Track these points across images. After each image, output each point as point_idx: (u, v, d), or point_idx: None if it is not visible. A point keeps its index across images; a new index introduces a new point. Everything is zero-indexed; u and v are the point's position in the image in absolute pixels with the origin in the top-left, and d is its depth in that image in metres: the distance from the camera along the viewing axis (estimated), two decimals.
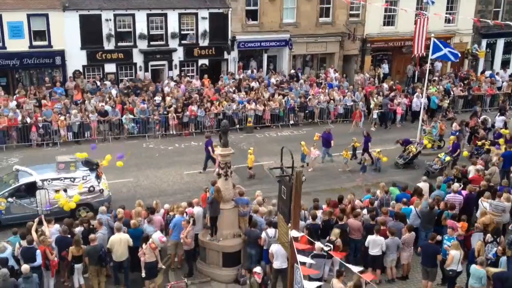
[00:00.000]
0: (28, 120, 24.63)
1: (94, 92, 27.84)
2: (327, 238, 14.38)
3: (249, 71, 32.56)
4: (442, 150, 24.09)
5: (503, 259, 13.77)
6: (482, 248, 14.03)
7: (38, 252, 13.38)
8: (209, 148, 21.47)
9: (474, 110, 28.48)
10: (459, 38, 36.87)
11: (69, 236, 14.22)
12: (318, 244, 13.22)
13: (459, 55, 25.31)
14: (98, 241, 13.92)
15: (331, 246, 13.76)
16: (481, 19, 29.68)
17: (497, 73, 35.38)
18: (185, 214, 15.30)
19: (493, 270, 13.19)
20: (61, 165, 18.26)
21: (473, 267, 13.24)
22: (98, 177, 18.65)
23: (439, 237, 14.58)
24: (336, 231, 14.29)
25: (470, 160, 21.43)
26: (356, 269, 10.50)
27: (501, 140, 22.39)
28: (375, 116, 28.35)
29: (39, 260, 13.30)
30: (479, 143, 23.11)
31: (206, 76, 30.81)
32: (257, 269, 13.12)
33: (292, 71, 33.29)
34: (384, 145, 25.91)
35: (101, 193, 18.31)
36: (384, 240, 14.44)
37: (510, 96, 32.35)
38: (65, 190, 17.46)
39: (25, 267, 12.62)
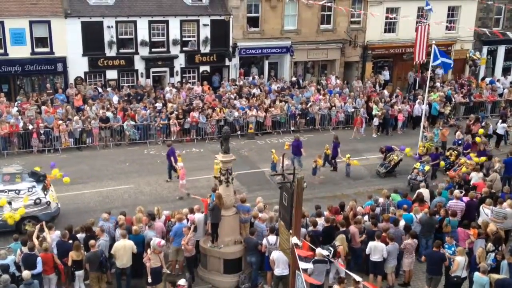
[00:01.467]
0: (30, 126, 24.66)
1: (95, 98, 27.89)
2: (332, 243, 14.36)
3: (250, 78, 32.62)
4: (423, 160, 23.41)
5: (504, 263, 13.72)
6: (483, 255, 13.99)
7: (39, 259, 13.36)
8: (171, 157, 21.26)
9: (480, 116, 28.47)
10: (460, 45, 36.94)
11: (69, 241, 14.20)
12: (319, 250, 13.19)
13: (451, 66, 25.46)
14: (98, 247, 13.90)
15: (331, 250, 13.72)
16: (479, 28, 29.75)
17: (498, 80, 35.41)
18: (186, 221, 15.29)
19: (496, 276, 13.15)
20: (6, 176, 17.60)
21: (476, 274, 13.19)
22: (45, 188, 17.87)
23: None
24: (341, 236, 14.24)
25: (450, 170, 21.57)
26: (358, 277, 10.53)
27: (472, 155, 22.13)
28: (376, 123, 28.35)
29: (39, 268, 13.28)
30: (447, 153, 23.00)
31: (206, 82, 30.88)
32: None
33: (294, 78, 33.36)
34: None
35: (48, 205, 17.50)
36: (385, 246, 14.40)
37: (511, 103, 32.33)
38: (9, 203, 16.73)
39: (26, 273, 12.61)
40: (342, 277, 12.34)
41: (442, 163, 22.41)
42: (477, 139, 23.03)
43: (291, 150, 22.67)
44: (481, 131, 23.62)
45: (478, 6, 36.89)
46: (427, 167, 21.31)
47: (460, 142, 24.96)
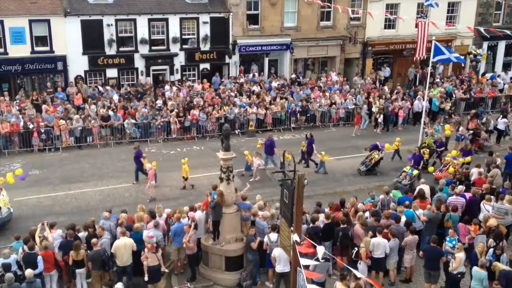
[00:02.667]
0: (30, 125, 24.67)
1: (94, 97, 27.88)
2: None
3: (250, 75, 32.61)
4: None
5: (504, 257, 13.74)
6: (484, 251, 14.00)
7: (40, 258, 13.39)
8: (141, 159, 21.00)
9: (478, 112, 28.46)
10: (460, 41, 36.91)
11: (72, 240, 14.22)
12: (319, 250, 13.20)
13: (461, 58, 25.36)
14: (101, 246, 13.94)
15: (355, 250, 14.01)
16: (476, 28, 29.68)
17: (499, 75, 35.37)
18: (186, 219, 15.31)
19: (501, 266, 13.16)
20: None
21: (475, 269, 13.23)
22: None
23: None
24: (366, 239, 14.25)
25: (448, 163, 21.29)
26: (359, 273, 10.55)
27: (454, 152, 22.00)
28: (379, 120, 28.34)
29: (40, 267, 13.31)
30: (421, 151, 22.60)
31: (205, 80, 30.88)
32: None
33: (293, 75, 33.35)
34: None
35: None
36: (387, 242, 14.43)
37: None
38: None
39: (29, 272, 12.66)
40: (344, 274, 12.36)
41: (431, 168, 22.01)
42: (430, 168, 22.03)
43: (264, 149, 22.63)
44: (454, 152, 22.34)
45: (478, 1, 36.85)
46: (415, 171, 20.86)
47: (463, 138, 24.96)
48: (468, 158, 21.47)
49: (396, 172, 22.05)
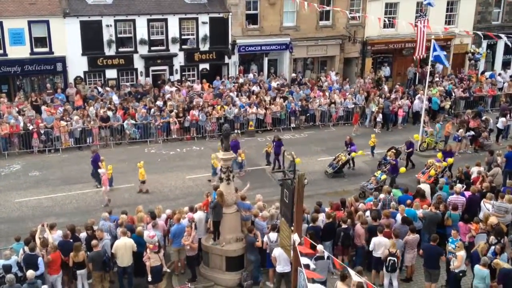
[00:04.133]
0: (30, 126, 24.66)
1: (92, 99, 27.85)
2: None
3: (250, 75, 32.59)
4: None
5: (504, 256, 13.73)
6: (484, 249, 14.00)
7: (40, 259, 13.38)
8: (99, 163, 20.43)
9: (478, 110, 28.45)
10: (459, 40, 36.90)
11: (71, 240, 14.22)
12: (319, 247, 13.21)
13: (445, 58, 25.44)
14: (102, 247, 13.93)
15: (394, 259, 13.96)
16: (474, 31, 29.67)
17: (499, 74, 35.35)
18: (186, 220, 15.30)
19: (502, 264, 13.14)
20: None
21: (477, 267, 13.22)
22: None
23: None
24: (392, 242, 14.20)
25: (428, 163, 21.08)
26: (357, 275, 10.58)
27: (439, 154, 21.72)
28: (379, 119, 28.32)
29: (41, 268, 13.30)
30: (388, 153, 22.06)
31: (205, 80, 30.88)
32: None
33: (293, 74, 33.34)
34: (386, 147, 25.86)
35: None
36: (388, 241, 14.41)
37: None
38: None
39: (30, 273, 12.66)
40: (345, 274, 12.33)
41: (403, 169, 21.45)
42: (402, 169, 21.39)
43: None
44: (439, 155, 21.68)
45: (477, 0, 36.82)
46: (384, 176, 20.38)
47: (460, 138, 24.93)
48: (450, 160, 21.07)
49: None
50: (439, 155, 21.51)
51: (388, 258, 13.96)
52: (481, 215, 16.29)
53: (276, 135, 23.91)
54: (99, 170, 20.07)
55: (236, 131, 27.25)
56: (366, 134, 27.75)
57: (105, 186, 19.66)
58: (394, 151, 22.15)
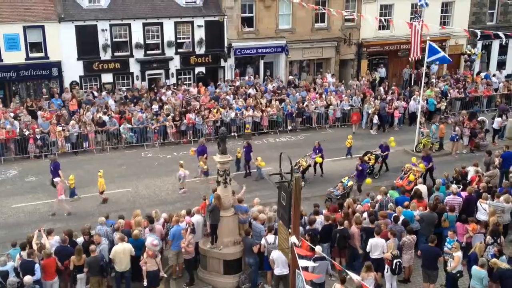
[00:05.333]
0: (26, 132, 24.60)
1: (88, 103, 27.81)
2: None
3: (246, 78, 32.61)
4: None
5: (503, 258, 13.74)
6: (481, 249, 14.02)
7: (37, 266, 13.33)
8: (59, 171, 20.03)
9: (474, 111, 28.52)
10: (454, 41, 37.02)
11: (68, 246, 14.18)
12: (318, 248, 13.20)
13: (449, 60, 25.45)
14: (100, 252, 13.90)
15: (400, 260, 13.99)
16: (470, 29, 29.74)
17: (494, 75, 35.46)
18: (184, 223, 15.28)
19: (500, 264, 13.15)
20: None
21: (474, 268, 13.24)
22: None
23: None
24: (392, 243, 14.16)
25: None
26: (356, 276, 10.56)
27: (413, 158, 21.35)
28: (375, 121, 28.36)
29: (38, 274, 13.24)
30: (365, 157, 22.02)
31: (201, 83, 30.88)
32: None
33: (291, 77, 33.38)
34: None
35: None
36: (385, 242, 14.42)
37: (507, 97, 32.40)
38: None
39: (28, 278, 12.63)
40: (343, 276, 12.33)
41: (369, 180, 20.71)
42: (367, 181, 20.49)
43: (196, 155, 22.36)
44: (413, 159, 21.26)
45: (471, 1, 36.96)
46: (350, 183, 19.83)
47: (457, 138, 24.99)
48: (422, 166, 20.56)
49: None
50: (414, 159, 21.03)
51: (395, 261, 13.96)
52: (477, 215, 16.33)
53: (246, 139, 23.66)
54: (55, 179, 19.62)
55: (233, 133, 27.26)
56: (363, 136, 27.89)
57: (59, 195, 19.22)
58: (374, 155, 22.01)
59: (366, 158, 22.12)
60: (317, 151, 22.24)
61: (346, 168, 23.04)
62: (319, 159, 22.12)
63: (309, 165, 22.06)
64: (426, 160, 20.99)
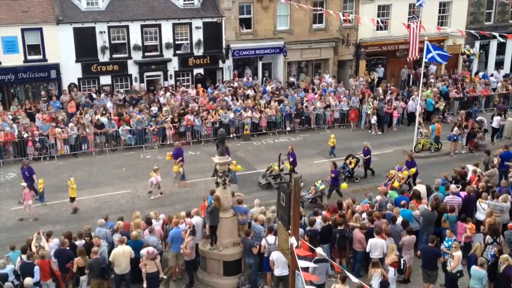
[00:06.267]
0: (25, 134, 24.58)
1: (87, 105, 27.80)
2: None
3: (244, 79, 32.62)
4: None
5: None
6: (480, 249, 14.04)
7: (36, 268, 13.35)
8: (33, 176, 20.02)
9: (472, 111, 28.53)
10: (452, 41, 37.07)
11: (68, 248, 14.17)
12: (318, 250, 13.20)
13: (450, 56, 25.28)
14: (101, 254, 13.92)
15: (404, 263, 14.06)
16: (466, 31, 29.79)
17: (492, 75, 35.49)
18: (184, 225, 15.28)
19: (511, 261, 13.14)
20: None
21: (474, 268, 13.25)
22: None
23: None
24: (391, 246, 14.13)
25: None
26: (354, 278, 10.57)
27: (400, 163, 21.11)
28: (373, 121, 28.38)
29: (36, 277, 13.26)
30: (347, 161, 21.90)
31: (200, 85, 30.88)
32: None
33: (292, 79, 33.37)
34: (382, 149, 26.01)
35: None
36: (384, 242, 14.44)
37: (506, 97, 32.44)
38: None
39: (28, 280, 12.63)
40: (344, 276, 12.30)
41: (345, 185, 20.30)
42: (343, 185, 20.19)
43: (173, 160, 22.07)
44: (344, 185, 20.42)
45: (469, 1, 37.02)
46: (322, 186, 19.44)
47: (456, 138, 25.01)
48: (412, 170, 20.19)
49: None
50: (400, 163, 20.73)
51: (401, 260, 14.01)
52: (477, 215, 16.35)
53: (245, 140, 23.41)
54: (21, 184, 19.44)
55: (232, 135, 27.27)
56: (362, 136, 27.87)
57: (26, 201, 19.04)
58: (355, 159, 21.78)
59: (347, 161, 21.92)
60: (290, 156, 21.64)
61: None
62: (288, 166, 21.37)
63: (282, 170, 21.41)
64: (409, 164, 20.53)
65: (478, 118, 27.16)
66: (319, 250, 13.15)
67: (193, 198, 20.40)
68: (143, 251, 13.94)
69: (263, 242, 14.40)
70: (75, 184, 19.58)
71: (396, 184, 19.19)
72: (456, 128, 25.09)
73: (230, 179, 21.24)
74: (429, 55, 24.02)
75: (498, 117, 26.46)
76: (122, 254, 13.91)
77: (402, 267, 14.08)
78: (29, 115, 26.55)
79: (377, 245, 14.41)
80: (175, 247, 14.94)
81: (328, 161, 23.27)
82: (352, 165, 21.91)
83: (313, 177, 22.54)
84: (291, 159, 21.46)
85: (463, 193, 17.15)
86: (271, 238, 14.32)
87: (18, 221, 19.19)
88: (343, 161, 22.43)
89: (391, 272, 13.74)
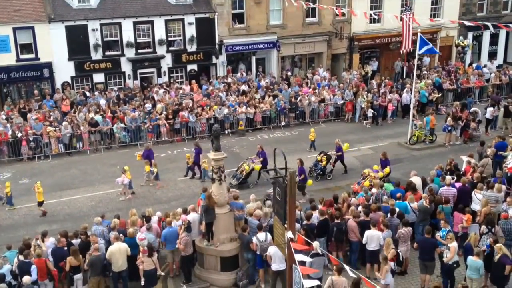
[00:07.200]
0: (19, 134, 24.48)
1: (81, 103, 27.70)
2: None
3: (238, 75, 32.56)
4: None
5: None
6: (475, 239, 14.11)
7: (34, 267, 13.33)
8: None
9: (468, 102, 28.59)
10: (445, 32, 37.09)
11: (64, 248, 14.15)
12: (315, 244, 13.23)
13: (438, 52, 25.38)
14: (100, 251, 13.95)
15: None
16: (460, 21, 29.83)
17: (485, 66, 35.57)
18: (180, 221, 15.28)
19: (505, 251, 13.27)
20: None
21: (470, 258, 13.32)
22: None
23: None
24: (388, 240, 14.10)
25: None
26: (352, 270, 10.61)
27: (375, 166, 20.16)
28: (370, 114, 28.38)
29: (34, 275, 13.24)
30: (318, 157, 21.69)
31: (194, 81, 30.81)
32: None
33: (289, 74, 33.31)
34: (376, 142, 26.06)
35: None
36: (381, 234, 14.49)
37: (499, 87, 32.52)
38: None
39: (26, 278, 12.64)
40: (339, 267, 12.33)
41: (310, 181, 20.10)
42: (309, 182, 19.82)
43: (143, 160, 21.87)
44: (309, 182, 20.02)
45: None
46: None
47: (450, 128, 25.07)
48: (386, 170, 19.92)
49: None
50: (375, 166, 20.30)
51: (399, 252, 14.11)
52: (472, 206, 16.42)
53: (195, 142, 23.22)
54: None
55: (226, 131, 27.24)
56: (357, 129, 27.94)
57: None
58: (326, 156, 21.61)
59: (319, 158, 21.76)
60: (260, 156, 21.55)
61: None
62: (257, 167, 21.16)
63: (252, 169, 21.21)
64: (383, 163, 20.25)
65: (472, 109, 27.22)
66: (315, 244, 13.19)
67: (189, 195, 20.39)
68: (136, 238, 14.02)
69: (254, 239, 14.38)
70: (41, 188, 19.27)
71: (367, 183, 18.72)
72: (449, 119, 25.13)
73: (204, 177, 21.34)
74: (422, 50, 24.06)
75: (491, 108, 26.54)
76: (118, 251, 13.92)
77: (401, 259, 14.15)
78: (23, 115, 26.41)
79: (373, 237, 14.46)
80: (170, 246, 14.95)
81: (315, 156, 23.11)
82: (324, 163, 21.63)
83: (307, 171, 22.58)
84: (261, 158, 21.29)
85: (458, 184, 17.21)
86: (261, 235, 14.32)
87: (13, 220, 19.12)
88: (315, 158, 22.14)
89: (391, 266, 13.79)
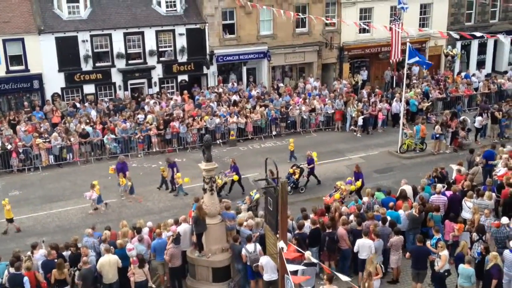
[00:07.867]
0: (8, 146, 24.32)
1: (72, 115, 27.60)
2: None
3: (229, 85, 32.63)
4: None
5: (488, 258, 13.87)
6: (466, 248, 14.15)
7: (26, 279, 13.20)
8: None
9: (456, 111, 28.81)
10: (434, 42, 37.42)
11: (54, 260, 14.05)
12: (307, 253, 13.22)
13: (431, 64, 25.86)
14: (91, 263, 13.86)
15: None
16: (447, 32, 30.10)
17: (473, 74, 35.88)
18: (171, 232, 15.21)
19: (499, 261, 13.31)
20: None
21: (461, 266, 13.34)
22: None
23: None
24: (371, 257, 13.93)
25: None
26: (344, 277, 10.57)
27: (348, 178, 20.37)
28: (360, 123, 28.50)
29: (27, 287, 13.10)
30: (291, 170, 21.51)
31: (185, 91, 30.82)
32: None
33: (281, 84, 33.38)
34: (367, 151, 26.16)
35: None
36: (372, 243, 14.50)
37: (488, 96, 32.80)
38: None
39: None
40: (331, 276, 12.30)
41: (236, 176, 20.70)
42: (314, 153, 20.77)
43: (116, 173, 21.72)
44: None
45: (449, 2, 37.42)
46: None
47: (438, 136, 25.22)
48: (358, 183, 19.67)
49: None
50: (349, 178, 20.29)
51: (380, 265, 14.09)
52: (463, 214, 16.49)
53: (167, 158, 22.98)
54: None
55: (218, 141, 27.22)
56: (348, 139, 28.03)
57: None
58: (299, 169, 21.49)
59: (291, 170, 21.59)
60: (232, 170, 21.46)
61: (334, 171, 23.15)
62: (236, 177, 21.20)
63: (225, 183, 21.21)
64: (356, 176, 20.09)
65: (461, 118, 27.42)
66: (307, 254, 13.18)
67: (180, 206, 20.32)
68: (126, 249, 13.91)
69: (243, 251, 14.31)
70: (9, 205, 18.86)
71: (337, 195, 18.73)
72: (437, 127, 25.29)
73: (178, 192, 21.24)
74: (411, 60, 24.27)
75: (480, 117, 26.73)
76: (108, 263, 13.83)
77: (384, 271, 14.15)
78: (12, 126, 26.27)
79: (364, 246, 14.47)
80: (160, 257, 14.88)
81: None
82: (297, 176, 21.46)
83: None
84: (233, 173, 21.19)
85: (448, 193, 17.29)
86: (250, 247, 14.27)
87: (1, 234, 18.93)
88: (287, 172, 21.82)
89: (377, 283, 13.75)
